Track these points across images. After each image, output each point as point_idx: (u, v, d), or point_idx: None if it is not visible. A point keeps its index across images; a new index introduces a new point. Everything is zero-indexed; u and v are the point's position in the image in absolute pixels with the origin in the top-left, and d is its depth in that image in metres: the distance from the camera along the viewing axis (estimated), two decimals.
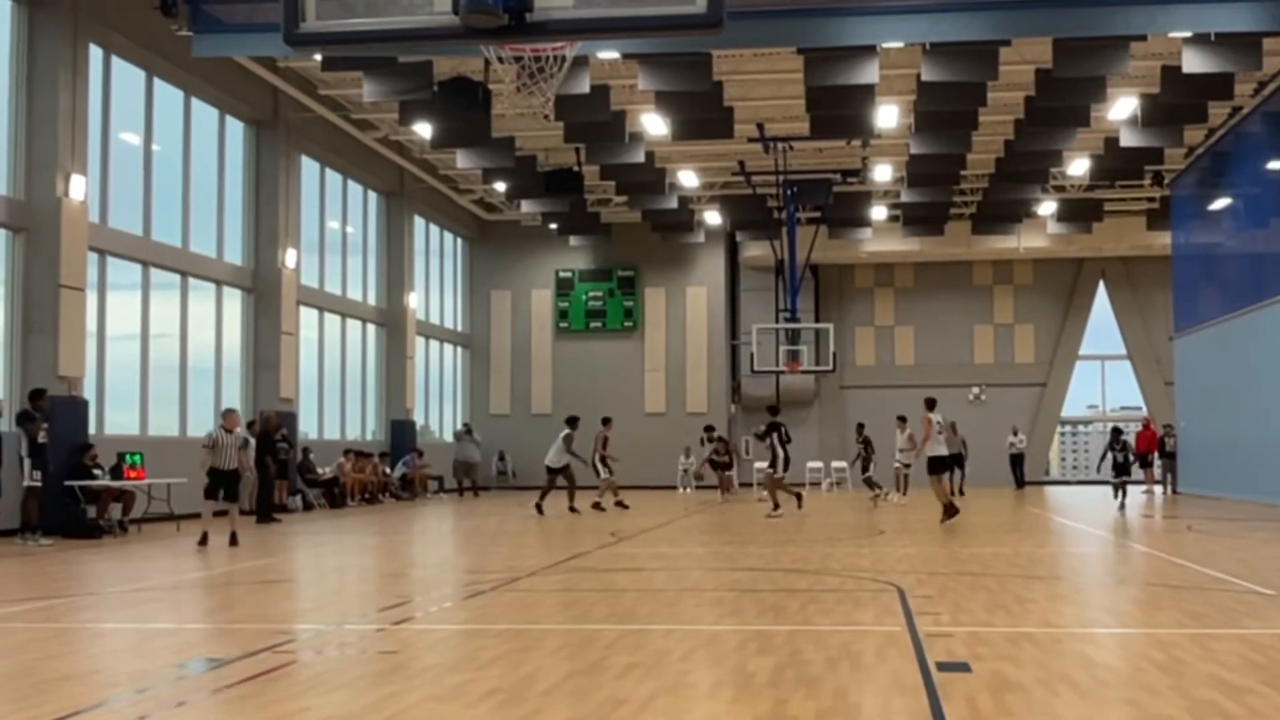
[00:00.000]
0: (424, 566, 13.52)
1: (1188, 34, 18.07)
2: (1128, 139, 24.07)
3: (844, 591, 9.88)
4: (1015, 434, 31.88)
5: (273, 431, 20.82)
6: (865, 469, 26.36)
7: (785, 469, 20.71)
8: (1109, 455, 23.82)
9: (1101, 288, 37.94)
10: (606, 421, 23.49)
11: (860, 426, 27.72)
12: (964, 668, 6.37)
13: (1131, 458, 24.50)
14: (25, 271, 17.44)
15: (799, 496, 21.94)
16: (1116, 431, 24.23)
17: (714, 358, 36.65)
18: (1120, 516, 20.10)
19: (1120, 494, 23.06)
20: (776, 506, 20.24)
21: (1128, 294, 37.63)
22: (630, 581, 10.94)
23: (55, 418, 16.35)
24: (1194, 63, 18.60)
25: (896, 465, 25.11)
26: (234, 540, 14.92)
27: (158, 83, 20.78)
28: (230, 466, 15.15)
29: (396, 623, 8.42)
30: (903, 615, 8.35)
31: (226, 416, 15.49)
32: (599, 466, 23.00)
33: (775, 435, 20.46)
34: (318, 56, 19.93)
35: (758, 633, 7.69)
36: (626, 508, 22.46)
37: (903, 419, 24.40)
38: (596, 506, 21.90)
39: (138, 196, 20.48)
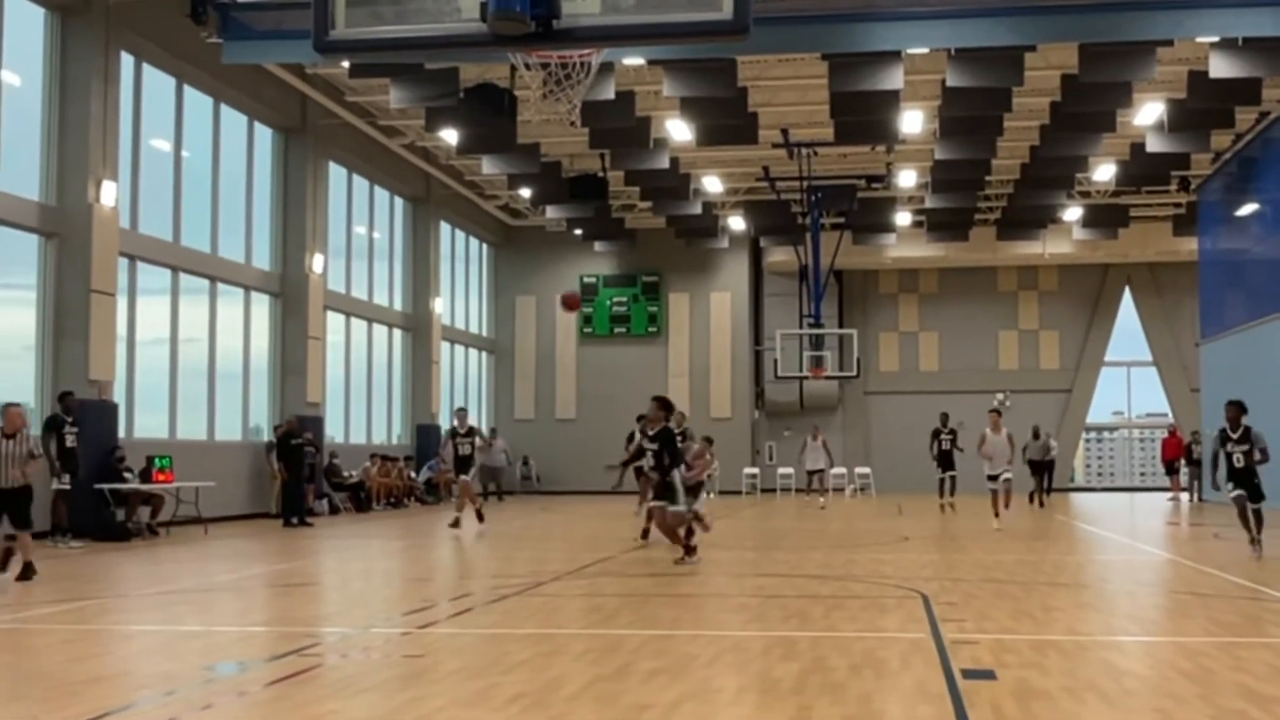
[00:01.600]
0: (448, 570, 13.59)
1: (1215, 39, 17.96)
2: (1154, 144, 23.94)
3: (868, 598, 9.87)
4: (1036, 437, 27.52)
5: (294, 435, 20.96)
6: (947, 463, 22.90)
7: (692, 497, 13.70)
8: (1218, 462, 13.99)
9: (1127, 293, 37.71)
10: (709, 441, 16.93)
11: (944, 417, 23.82)
12: (989, 675, 6.37)
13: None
14: (57, 276, 17.62)
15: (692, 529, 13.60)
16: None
17: (738, 363, 36.62)
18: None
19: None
20: (687, 550, 12.88)
21: (1154, 300, 37.38)
22: (654, 586, 10.97)
23: (85, 422, 16.51)
24: (1221, 68, 18.49)
25: (1004, 475, 18.51)
26: (26, 573, 11.30)
27: (188, 90, 20.98)
28: (11, 484, 11.37)
29: (422, 626, 8.48)
30: (927, 622, 8.34)
31: (5, 416, 11.41)
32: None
33: (665, 448, 13.10)
34: (346, 64, 20.07)
35: (782, 639, 7.71)
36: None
37: (996, 411, 19.45)
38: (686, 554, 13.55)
39: (168, 202, 20.67)
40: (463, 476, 18.68)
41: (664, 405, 13.38)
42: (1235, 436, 13.16)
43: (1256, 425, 13.28)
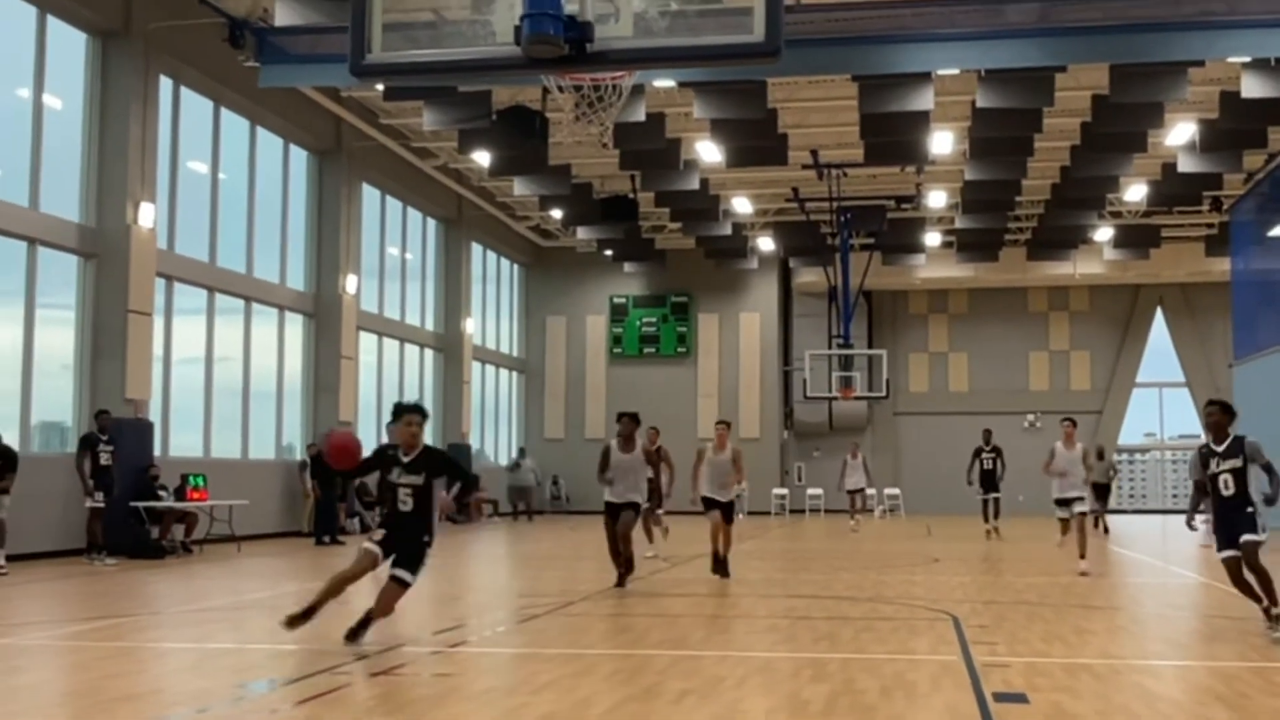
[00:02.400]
0: (478, 590, 13.65)
1: (1246, 59, 17.90)
2: (1186, 164, 23.82)
3: (898, 620, 9.84)
4: (1101, 457, 25.58)
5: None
6: (990, 485, 21.83)
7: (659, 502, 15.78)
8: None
9: (1159, 314, 37.46)
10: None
11: (987, 435, 22.56)
12: (1021, 699, 6.34)
13: None
14: (95, 297, 17.86)
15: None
16: None
17: (767, 384, 36.58)
18: None
19: None
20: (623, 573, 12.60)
21: (1186, 321, 37.11)
22: (683, 607, 10.98)
23: (121, 440, 16.69)
24: (1253, 88, 18.41)
25: (1078, 504, 15.26)
26: None
27: (225, 113, 21.26)
28: None
29: (452, 646, 8.52)
30: (958, 644, 8.31)
31: None
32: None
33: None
34: (380, 86, 20.28)
35: (811, 660, 7.70)
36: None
37: (1070, 421, 15.98)
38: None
39: (204, 223, 20.93)
40: None
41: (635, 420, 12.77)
42: (1221, 450, 9.09)
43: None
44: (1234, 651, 8.26)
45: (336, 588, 8.20)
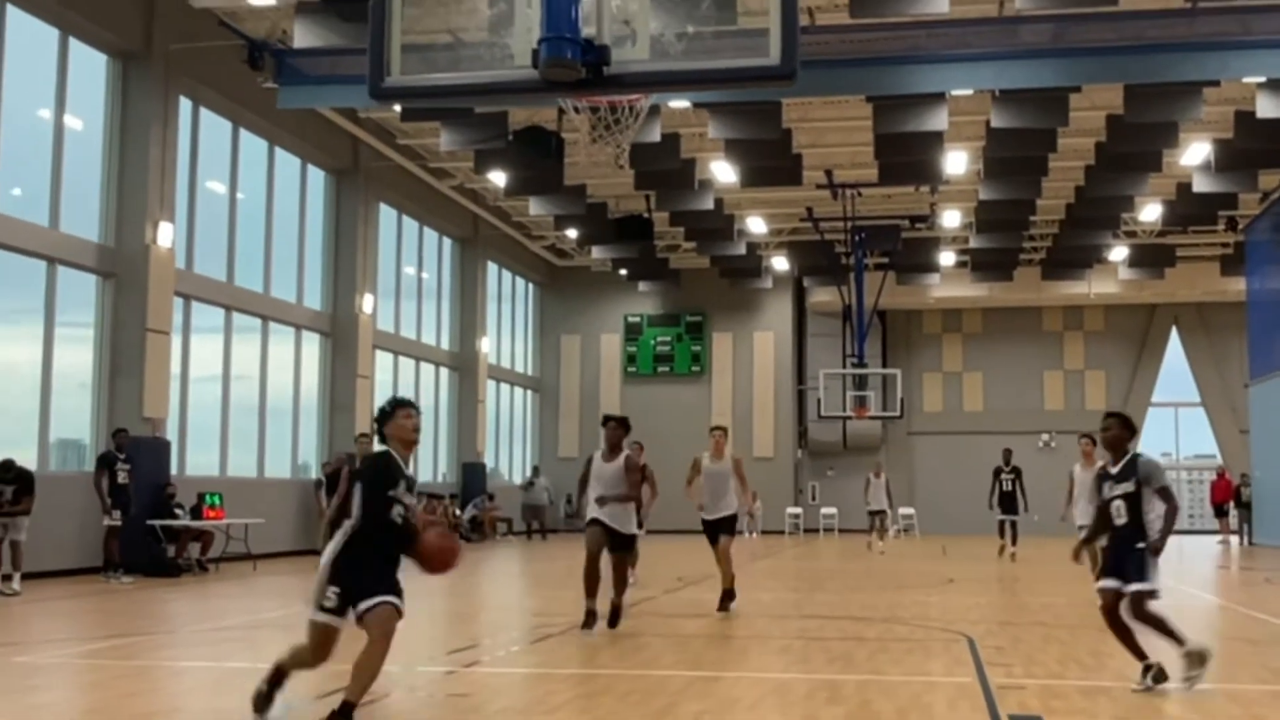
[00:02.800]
0: (493, 609, 13.66)
1: (1261, 79, 17.89)
2: (1201, 184, 23.79)
3: (913, 641, 9.82)
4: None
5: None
6: (1010, 507, 21.06)
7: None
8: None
9: (1174, 334, 37.35)
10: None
11: (1007, 454, 21.79)
12: None
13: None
14: (114, 316, 17.98)
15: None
16: None
17: (781, 403, 36.57)
18: None
19: None
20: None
21: (1202, 340, 36.99)
22: (697, 627, 10.96)
23: (139, 459, 16.78)
24: (1268, 108, 18.38)
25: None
26: None
27: (243, 133, 21.43)
28: None
29: (467, 665, 8.53)
30: (973, 666, 8.30)
31: None
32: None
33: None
34: (397, 108, 20.43)
35: (826, 682, 7.69)
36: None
37: (1089, 438, 13.99)
38: None
39: (222, 243, 21.07)
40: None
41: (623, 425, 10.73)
42: (1115, 472, 7.59)
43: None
44: (1251, 675, 8.22)
45: None
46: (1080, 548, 8.28)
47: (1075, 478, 13.82)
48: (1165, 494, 7.44)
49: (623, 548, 10.47)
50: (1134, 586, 7.34)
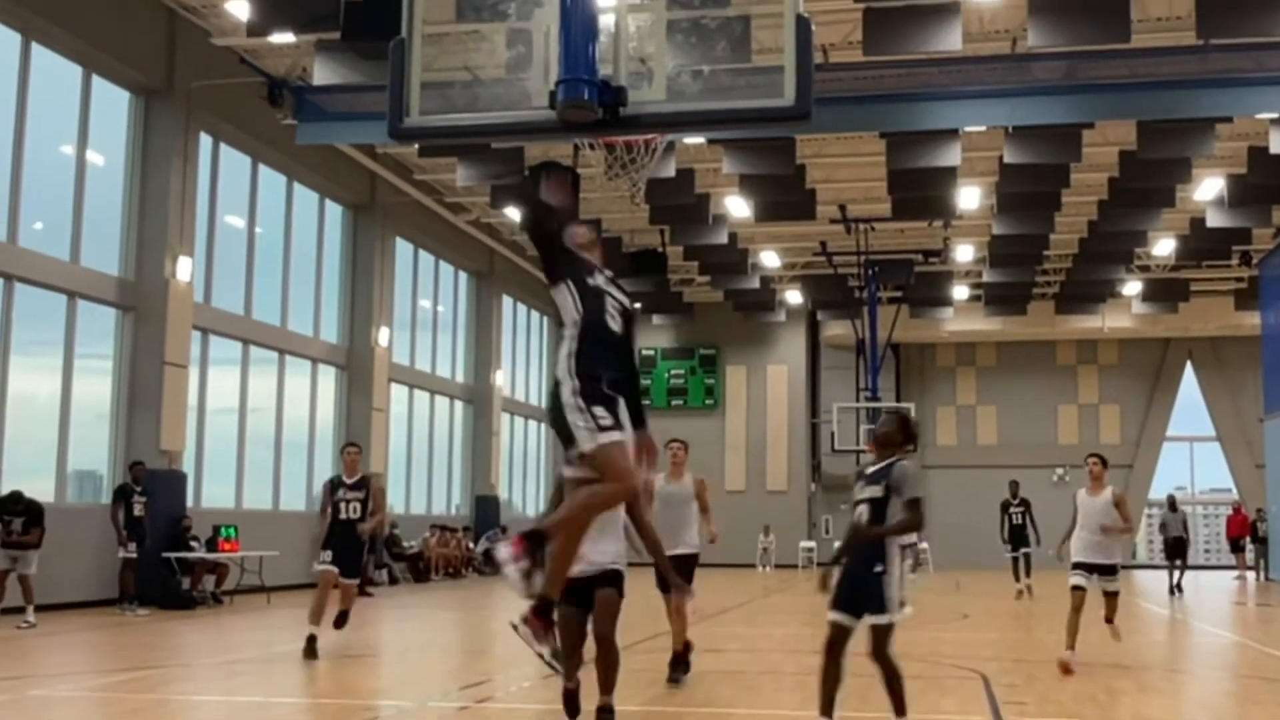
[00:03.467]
0: (505, 643, 13.63)
1: (1274, 115, 17.96)
2: (1214, 219, 23.84)
3: (927, 678, 9.80)
4: (1174, 508, 24.22)
5: None
6: (1019, 540, 20.51)
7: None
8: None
9: (1189, 368, 37.27)
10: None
11: (1014, 487, 21.34)
12: None
13: None
14: (133, 349, 18.12)
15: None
16: None
17: (794, 436, 36.55)
18: None
19: None
20: None
21: (1216, 375, 36.89)
22: (709, 663, 10.95)
23: (155, 491, 16.88)
24: None
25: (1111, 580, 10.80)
26: None
27: (262, 169, 21.65)
28: None
29: (479, 701, 8.55)
30: (987, 704, 8.28)
31: None
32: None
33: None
34: (415, 145, 20.61)
35: None
36: None
37: (1097, 458, 10.94)
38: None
39: (240, 277, 21.24)
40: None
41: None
42: (869, 473, 6.60)
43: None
44: (1268, 714, 8.19)
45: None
46: (826, 575, 6.56)
47: (1079, 504, 11.01)
48: (913, 506, 6.24)
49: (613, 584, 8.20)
50: (872, 620, 6.21)
